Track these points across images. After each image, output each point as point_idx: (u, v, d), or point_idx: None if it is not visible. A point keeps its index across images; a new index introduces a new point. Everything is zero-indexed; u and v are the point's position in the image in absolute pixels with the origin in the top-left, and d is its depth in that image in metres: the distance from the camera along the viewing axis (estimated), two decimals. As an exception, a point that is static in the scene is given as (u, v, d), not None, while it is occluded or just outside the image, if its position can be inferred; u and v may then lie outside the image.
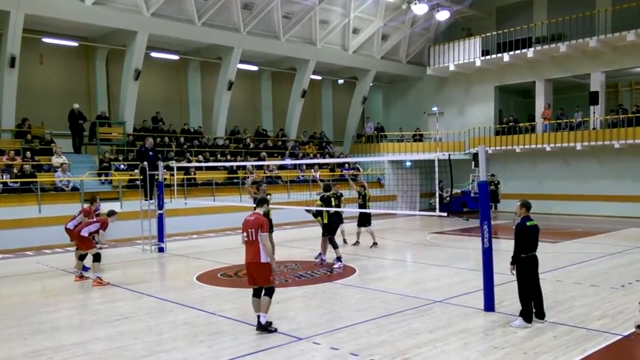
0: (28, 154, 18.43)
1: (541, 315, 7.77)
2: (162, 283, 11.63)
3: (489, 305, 8.37)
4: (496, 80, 28.23)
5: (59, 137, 20.42)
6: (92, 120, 21.02)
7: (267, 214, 10.75)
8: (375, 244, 15.63)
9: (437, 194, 11.29)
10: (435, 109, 28.24)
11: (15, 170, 17.39)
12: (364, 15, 27.03)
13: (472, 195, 24.96)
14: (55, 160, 18.70)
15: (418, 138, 29.57)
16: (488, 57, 27.13)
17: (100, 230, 11.24)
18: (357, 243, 16.05)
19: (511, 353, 6.58)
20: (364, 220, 15.81)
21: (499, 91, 28.73)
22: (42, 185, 17.42)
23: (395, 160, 28.01)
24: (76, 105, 20.37)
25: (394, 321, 7.99)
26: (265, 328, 7.47)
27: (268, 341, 7.17)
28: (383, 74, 30.42)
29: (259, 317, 7.52)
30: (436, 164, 10.30)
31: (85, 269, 11.84)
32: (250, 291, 7.76)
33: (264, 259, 7.43)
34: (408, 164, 27.58)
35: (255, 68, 26.95)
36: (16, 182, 17.03)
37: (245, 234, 7.56)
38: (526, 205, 7.91)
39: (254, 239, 7.44)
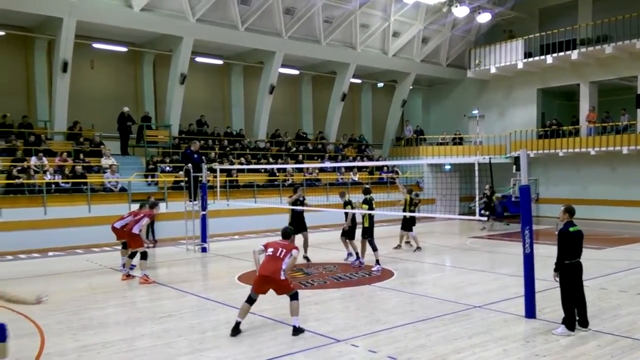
0: (80, 155, 19.08)
1: (585, 324, 7.54)
2: (204, 282, 11.81)
3: (530, 311, 8.17)
4: (539, 82, 27.53)
5: (108, 139, 21.00)
6: (140, 123, 21.56)
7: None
8: (418, 248, 15.51)
9: (476, 199, 11.04)
10: (475, 111, 27.77)
11: (66, 171, 18.00)
12: (404, 19, 26.82)
13: (513, 199, 24.43)
14: (105, 161, 19.26)
15: (458, 141, 29.13)
16: (530, 59, 26.48)
17: (145, 218, 11.77)
18: (399, 246, 15.95)
19: (553, 361, 6.41)
20: (408, 224, 15.78)
21: (541, 94, 27.99)
22: (92, 186, 17.96)
23: (435, 164, 27.70)
24: (126, 109, 20.93)
25: (432, 325, 7.90)
26: (300, 330, 7.52)
27: (306, 342, 7.19)
28: (423, 77, 30.12)
29: (239, 323, 7.58)
30: (476, 168, 10.11)
31: (132, 267, 12.18)
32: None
33: (284, 276, 7.55)
34: (447, 167, 27.23)
35: (296, 72, 27.11)
36: (67, 183, 17.61)
37: (272, 249, 7.69)
38: (569, 211, 7.68)
39: (281, 256, 7.58)
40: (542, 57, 25.88)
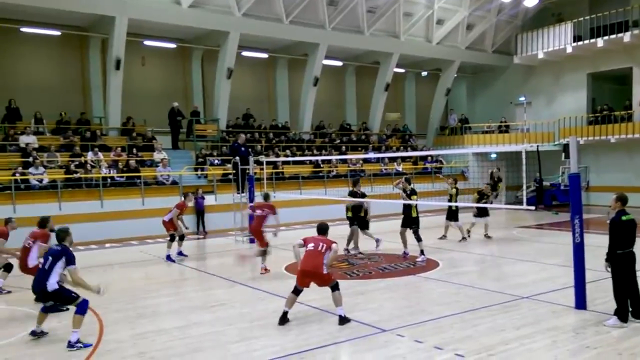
0: (133, 150, 19.68)
1: (638, 315, 7.27)
2: (253, 273, 12.02)
3: (581, 302, 7.95)
4: (589, 67, 26.51)
5: (159, 134, 21.60)
6: (189, 118, 22.04)
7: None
8: (464, 238, 15.31)
9: (523, 187, 10.78)
10: (522, 98, 27.02)
11: (120, 166, 18.61)
12: (448, 6, 26.32)
13: (562, 188, 23.72)
14: (157, 155, 19.80)
15: (504, 129, 28.42)
16: (580, 43, 25.53)
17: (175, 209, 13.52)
18: (444, 237, 15.76)
19: (604, 353, 6.24)
20: (454, 214, 15.58)
21: (591, 79, 26.97)
22: (145, 180, 18.50)
23: (480, 153, 27.13)
24: (175, 104, 21.43)
25: (479, 316, 7.80)
26: (346, 320, 7.56)
27: (352, 332, 7.24)
28: (467, 64, 29.49)
29: (286, 312, 7.68)
30: (523, 156, 9.85)
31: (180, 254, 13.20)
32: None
33: (325, 270, 7.68)
34: (493, 155, 26.63)
35: (339, 63, 27.04)
36: (122, 177, 18.21)
37: (312, 244, 7.77)
38: (622, 199, 7.39)
39: (322, 250, 7.68)
40: (593, 40, 24.95)
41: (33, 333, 7.19)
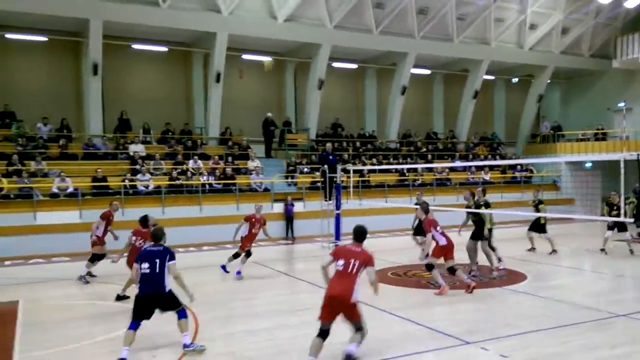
0: (229, 158, 20.53)
1: None
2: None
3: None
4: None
5: (254, 143, 22.38)
6: (281, 128, 22.64)
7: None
8: (554, 251, 14.47)
9: (621, 199, 10.04)
10: (622, 104, 25.21)
11: (218, 173, 19.48)
12: (542, 10, 25.21)
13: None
14: (251, 164, 20.55)
15: (601, 137, 26.61)
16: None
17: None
18: (533, 249, 15.03)
19: None
20: (539, 226, 14.82)
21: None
22: (240, 187, 19.25)
23: (574, 162, 25.57)
24: (269, 114, 22.19)
25: (569, 333, 7.40)
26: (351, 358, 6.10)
27: (435, 343, 7.12)
28: (561, 69, 28.08)
29: None
30: (622, 165, 9.19)
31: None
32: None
33: (354, 297, 6.13)
34: (588, 164, 25.03)
35: (427, 72, 26.68)
36: (219, 184, 19.06)
37: (342, 262, 6.22)
38: None
39: (352, 272, 6.16)
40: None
41: None
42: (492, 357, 6.54)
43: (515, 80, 29.30)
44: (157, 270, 6.78)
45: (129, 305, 7.18)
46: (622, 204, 11.30)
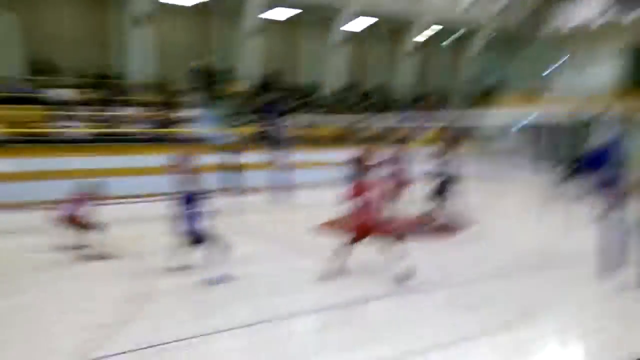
0: (163, 106, 20.22)
1: None
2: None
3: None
4: (621, 40, 26.33)
5: (189, 91, 22.05)
6: (220, 76, 22.56)
7: None
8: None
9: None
10: (554, 67, 27.04)
11: (151, 122, 19.26)
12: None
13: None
14: (185, 113, 20.40)
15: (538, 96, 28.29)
16: (611, 14, 25.43)
17: None
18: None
19: None
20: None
21: (624, 52, 26.77)
22: (173, 136, 19.07)
23: (514, 119, 26.99)
24: (206, 60, 21.96)
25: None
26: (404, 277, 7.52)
27: (390, 290, 7.56)
28: (498, 32, 29.32)
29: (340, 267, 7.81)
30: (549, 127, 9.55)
31: None
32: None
33: (380, 218, 7.68)
34: (524, 123, 26.74)
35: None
36: (152, 133, 18.86)
37: (359, 198, 7.62)
38: None
39: (371, 201, 7.61)
40: (624, 12, 24.79)
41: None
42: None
43: (452, 39, 30.23)
44: None
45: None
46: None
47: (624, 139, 8.26)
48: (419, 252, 8.95)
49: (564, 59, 26.81)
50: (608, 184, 7.90)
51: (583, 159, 15.22)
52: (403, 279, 7.50)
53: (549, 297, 7.36)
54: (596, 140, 11.48)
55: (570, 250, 9.71)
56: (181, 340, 5.88)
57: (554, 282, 8.01)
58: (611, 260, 7.75)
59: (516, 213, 14.48)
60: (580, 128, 10.54)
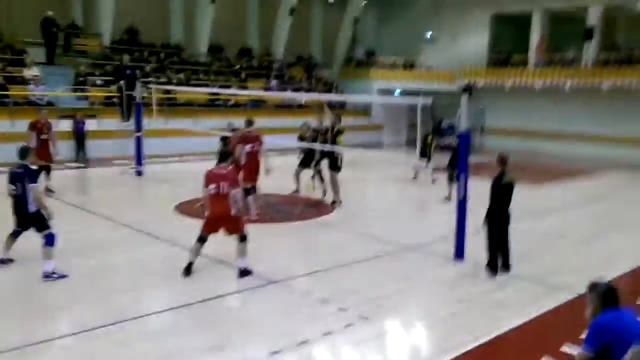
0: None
1: (507, 267, 7.99)
2: (140, 210, 11.83)
3: (460, 254, 8.64)
4: (493, 7, 27.60)
5: (31, 47, 19.85)
6: (66, 31, 20.43)
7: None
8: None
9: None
10: (428, 35, 27.76)
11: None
12: None
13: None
14: (28, 72, 18.37)
15: (409, 65, 29.16)
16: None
17: None
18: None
19: (476, 304, 6.92)
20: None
21: (495, 20, 28.24)
22: (15, 99, 17.22)
23: (385, 89, 27.68)
24: (50, 13, 19.72)
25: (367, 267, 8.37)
26: (246, 272, 7.51)
27: (245, 283, 7.37)
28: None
29: (191, 264, 7.44)
30: (419, 109, 9.63)
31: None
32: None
33: (234, 212, 7.39)
34: (397, 92, 27.51)
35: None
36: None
37: (213, 185, 7.36)
38: (502, 161, 7.84)
39: (224, 192, 7.31)
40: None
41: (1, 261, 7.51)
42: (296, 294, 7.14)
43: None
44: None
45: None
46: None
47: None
48: (281, 238, 8.74)
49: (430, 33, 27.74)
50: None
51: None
52: (244, 275, 7.49)
53: (403, 285, 7.58)
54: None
55: (424, 234, 10.21)
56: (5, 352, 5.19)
57: (409, 268, 8.33)
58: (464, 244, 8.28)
59: (377, 194, 14.94)
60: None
